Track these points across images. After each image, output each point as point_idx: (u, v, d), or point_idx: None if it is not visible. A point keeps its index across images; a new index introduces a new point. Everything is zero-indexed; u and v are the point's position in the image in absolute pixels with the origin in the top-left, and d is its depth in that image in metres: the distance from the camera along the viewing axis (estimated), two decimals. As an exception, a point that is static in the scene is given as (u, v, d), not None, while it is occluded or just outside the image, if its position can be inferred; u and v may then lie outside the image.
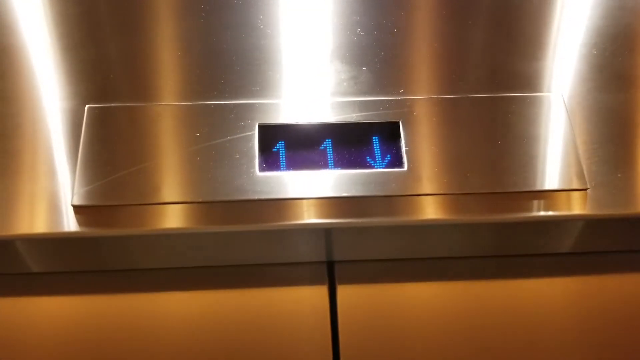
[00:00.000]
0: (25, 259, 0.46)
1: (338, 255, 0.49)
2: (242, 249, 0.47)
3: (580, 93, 0.49)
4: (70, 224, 0.41)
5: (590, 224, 0.46)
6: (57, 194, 0.43)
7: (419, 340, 0.47)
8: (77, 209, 0.42)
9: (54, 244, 0.44)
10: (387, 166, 0.44)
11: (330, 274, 0.50)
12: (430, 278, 0.49)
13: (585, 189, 0.44)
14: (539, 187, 0.44)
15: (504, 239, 0.48)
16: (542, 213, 0.44)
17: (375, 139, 0.46)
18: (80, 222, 0.41)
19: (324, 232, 0.45)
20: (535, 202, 0.44)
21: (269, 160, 0.44)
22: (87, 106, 0.46)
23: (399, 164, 0.44)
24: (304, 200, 0.43)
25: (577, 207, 0.44)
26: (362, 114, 0.47)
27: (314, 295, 0.48)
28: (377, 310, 0.48)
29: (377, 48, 0.50)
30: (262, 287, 0.48)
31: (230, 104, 0.46)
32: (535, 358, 0.46)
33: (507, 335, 0.47)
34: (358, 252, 0.49)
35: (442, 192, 0.44)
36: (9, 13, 0.51)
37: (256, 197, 0.42)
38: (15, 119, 0.46)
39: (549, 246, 0.49)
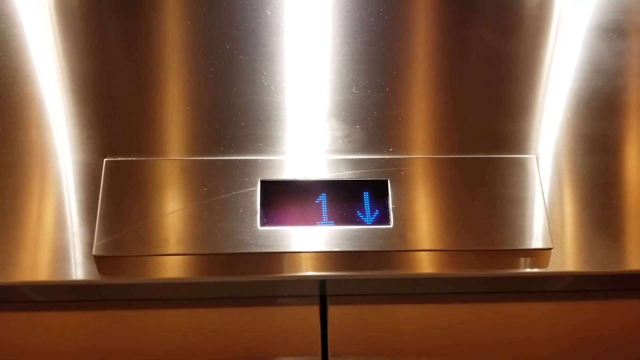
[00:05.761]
0: (29, 294, 0.51)
1: (330, 291, 0.55)
2: (244, 288, 0.53)
3: (554, 154, 0.54)
4: (88, 272, 0.47)
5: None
6: (75, 242, 0.48)
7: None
8: (97, 258, 0.47)
9: (66, 287, 0.48)
10: (374, 222, 0.50)
11: (322, 298, 0.55)
12: (419, 301, 0.54)
13: (550, 249, 0.50)
14: (508, 246, 0.49)
15: (482, 285, 0.54)
16: (510, 270, 0.49)
17: (365, 196, 0.51)
18: (100, 272, 0.47)
19: (318, 282, 0.50)
20: (505, 260, 0.49)
21: (270, 215, 0.49)
22: (105, 160, 0.50)
23: (386, 221, 0.50)
24: (301, 254, 0.48)
25: (540, 265, 0.50)
26: (354, 171, 0.52)
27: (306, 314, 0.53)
28: (365, 325, 0.53)
29: (370, 107, 0.55)
30: (259, 305, 0.53)
31: (236, 159, 0.51)
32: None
33: (496, 354, 0.53)
34: (349, 291, 0.55)
35: (422, 248, 0.49)
36: (29, 63, 0.54)
37: (257, 250, 0.48)
38: (34, 169, 0.50)
39: (526, 289, 0.55)
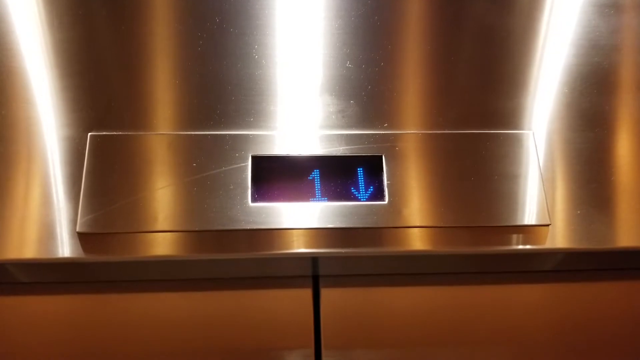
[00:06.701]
0: (16, 274, 0.49)
1: (323, 271, 0.53)
2: (235, 267, 0.52)
3: (550, 131, 0.53)
4: (73, 250, 0.45)
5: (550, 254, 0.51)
6: (60, 220, 0.46)
7: (399, 339, 0.52)
8: (82, 235, 0.45)
9: (53, 266, 0.47)
10: (369, 199, 0.48)
11: (315, 280, 0.54)
12: (413, 282, 0.54)
13: (547, 225, 0.49)
14: (505, 223, 0.48)
15: (477, 264, 0.53)
16: (506, 247, 0.48)
17: (359, 173, 0.49)
18: (85, 249, 0.45)
19: (311, 260, 0.49)
20: (501, 237, 0.49)
21: (261, 191, 0.48)
22: (89, 134, 0.48)
23: (381, 197, 0.48)
24: (293, 231, 0.47)
25: (537, 241, 0.49)
26: (348, 147, 0.50)
27: (299, 297, 0.52)
28: (358, 309, 0.52)
29: (365, 81, 0.53)
30: (249, 289, 0.52)
31: (226, 134, 0.49)
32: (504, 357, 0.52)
33: (490, 336, 0.52)
34: (342, 270, 0.54)
35: (417, 225, 0.48)
36: (11, 35, 0.52)
37: (248, 227, 0.46)
38: (16, 144, 0.48)
39: (521, 267, 0.54)
